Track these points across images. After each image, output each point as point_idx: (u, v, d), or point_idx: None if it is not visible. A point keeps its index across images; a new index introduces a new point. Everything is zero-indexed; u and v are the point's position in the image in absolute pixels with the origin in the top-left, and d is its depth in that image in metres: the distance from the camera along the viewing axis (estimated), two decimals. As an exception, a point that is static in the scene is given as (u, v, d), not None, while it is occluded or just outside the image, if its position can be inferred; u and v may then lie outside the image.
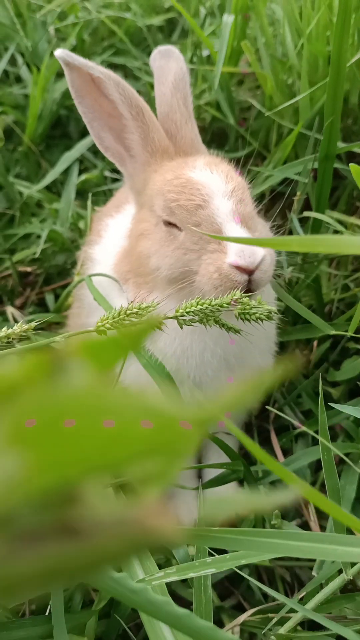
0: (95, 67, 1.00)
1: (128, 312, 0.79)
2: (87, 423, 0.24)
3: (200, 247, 0.90)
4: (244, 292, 0.83)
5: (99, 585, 0.69)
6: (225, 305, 0.79)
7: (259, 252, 0.86)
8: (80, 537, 0.23)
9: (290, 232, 1.33)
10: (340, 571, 0.86)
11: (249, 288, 0.86)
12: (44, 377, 0.26)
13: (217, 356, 0.98)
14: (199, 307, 0.79)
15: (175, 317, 0.80)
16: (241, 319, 0.81)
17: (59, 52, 1.00)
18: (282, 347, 1.23)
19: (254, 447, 0.47)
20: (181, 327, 0.82)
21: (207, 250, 0.89)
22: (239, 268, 0.85)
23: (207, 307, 0.79)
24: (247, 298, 0.81)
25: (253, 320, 0.80)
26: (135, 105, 1.01)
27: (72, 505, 0.24)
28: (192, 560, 0.78)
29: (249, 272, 0.86)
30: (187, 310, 0.80)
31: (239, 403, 0.28)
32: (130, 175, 1.07)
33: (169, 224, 0.95)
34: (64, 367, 0.27)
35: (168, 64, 1.11)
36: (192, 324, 0.81)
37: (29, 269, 1.55)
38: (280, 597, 0.73)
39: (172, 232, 0.95)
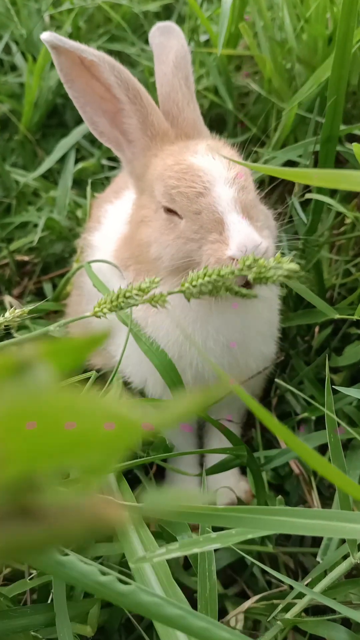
0: (87, 50, 0.96)
1: (127, 294, 0.76)
2: (46, 424, 0.26)
3: (200, 237, 0.88)
4: (242, 285, 0.79)
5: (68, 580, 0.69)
6: (236, 272, 0.74)
7: (262, 245, 0.83)
8: (38, 520, 0.28)
9: (291, 218, 1.31)
10: (344, 557, 0.85)
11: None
12: (9, 376, 0.29)
13: (219, 344, 0.96)
14: (206, 278, 0.75)
15: (181, 292, 0.76)
16: (257, 283, 0.74)
17: (45, 35, 0.95)
18: (284, 333, 1.22)
19: (264, 415, 0.46)
20: (188, 300, 0.78)
21: (208, 241, 0.87)
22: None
23: (215, 279, 0.74)
24: (262, 259, 0.74)
25: (271, 282, 0.74)
26: (132, 88, 0.98)
27: (32, 492, 0.28)
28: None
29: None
30: (194, 283, 0.75)
31: (185, 415, 0.31)
32: (129, 160, 1.04)
33: (169, 210, 0.93)
34: (29, 368, 0.30)
35: (169, 41, 1.07)
36: (201, 296, 0.76)
37: (26, 258, 1.54)
38: (287, 581, 0.72)
39: (172, 219, 0.92)
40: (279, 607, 0.80)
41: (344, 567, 0.74)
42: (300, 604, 0.74)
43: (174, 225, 0.92)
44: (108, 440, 0.28)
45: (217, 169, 0.90)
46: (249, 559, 0.80)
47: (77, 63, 0.98)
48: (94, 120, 1.02)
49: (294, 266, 0.72)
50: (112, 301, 0.78)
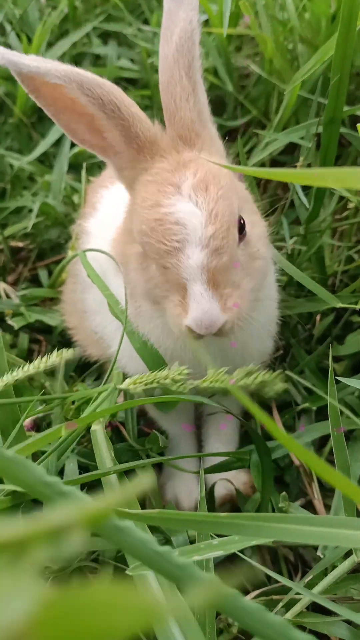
0: (50, 73, 0.84)
1: (160, 380, 0.81)
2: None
3: (166, 290, 0.85)
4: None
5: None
6: (247, 385, 0.82)
7: (218, 322, 0.80)
8: None
9: (292, 203, 1.28)
10: (346, 555, 0.83)
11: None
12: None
13: (213, 344, 0.93)
14: (222, 384, 0.81)
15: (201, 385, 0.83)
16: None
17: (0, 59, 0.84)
18: (284, 322, 1.19)
19: (260, 415, 0.43)
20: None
21: (171, 300, 0.84)
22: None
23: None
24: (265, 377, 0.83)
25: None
26: (108, 102, 0.86)
27: None
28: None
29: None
30: (212, 383, 0.82)
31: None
32: (119, 169, 0.94)
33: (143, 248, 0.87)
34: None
35: (178, 11, 0.93)
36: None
37: (21, 244, 1.50)
38: (286, 582, 0.69)
39: (145, 258, 0.87)
40: (279, 605, 0.78)
41: (346, 565, 0.72)
42: (301, 604, 0.72)
43: (147, 265, 0.87)
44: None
45: (193, 225, 0.81)
46: (245, 558, 0.77)
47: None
48: (72, 127, 0.92)
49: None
50: (147, 383, 0.83)
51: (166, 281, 0.84)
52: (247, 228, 0.89)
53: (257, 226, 0.95)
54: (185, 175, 0.85)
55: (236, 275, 0.84)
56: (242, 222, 0.87)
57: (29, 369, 0.80)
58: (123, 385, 0.80)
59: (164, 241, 0.82)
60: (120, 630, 0.24)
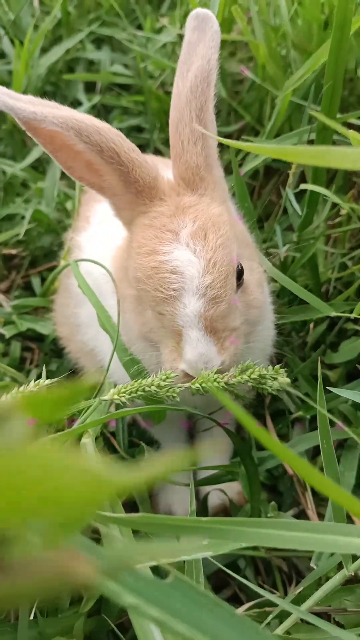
0: (47, 119, 0.82)
1: (146, 388, 0.79)
2: (18, 480, 0.25)
3: (162, 335, 0.85)
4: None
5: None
6: (242, 382, 0.79)
7: (214, 363, 0.80)
8: (8, 573, 0.28)
9: (285, 210, 1.27)
10: (340, 565, 0.82)
11: None
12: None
13: None
14: (215, 383, 0.78)
15: (190, 388, 0.80)
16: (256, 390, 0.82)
17: None
18: (278, 330, 1.18)
19: (249, 424, 0.43)
20: (193, 395, 0.81)
21: (166, 345, 0.84)
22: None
23: (222, 385, 0.78)
24: (263, 372, 0.80)
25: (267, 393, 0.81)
26: (107, 149, 0.83)
27: (2, 547, 0.28)
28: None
29: None
30: (203, 384, 0.79)
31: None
32: (116, 208, 0.92)
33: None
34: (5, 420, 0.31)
35: (198, 44, 0.89)
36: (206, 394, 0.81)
37: (13, 252, 1.49)
38: (274, 599, 0.69)
39: (141, 302, 0.87)
40: (269, 618, 0.77)
41: (337, 579, 0.71)
42: (290, 619, 0.71)
43: (142, 309, 0.87)
44: (80, 497, 0.27)
45: (191, 274, 0.80)
46: (233, 574, 0.76)
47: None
48: (69, 165, 0.89)
49: (286, 380, 0.82)
50: (131, 392, 0.81)
51: (162, 327, 0.84)
52: (245, 275, 0.89)
53: (255, 272, 0.94)
54: (184, 222, 0.84)
55: (234, 322, 0.84)
56: (240, 267, 0.87)
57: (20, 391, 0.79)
58: (107, 397, 0.79)
59: (160, 289, 0.81)
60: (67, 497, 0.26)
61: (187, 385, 0.80)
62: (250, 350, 0.90)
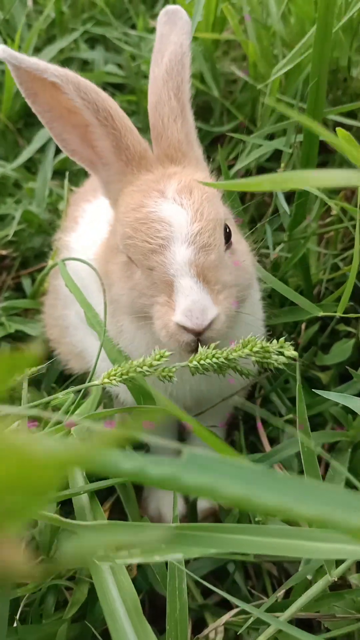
0: (48, 70, 0.85)
1: (137, 369, 0.76)
2: None
3: (152, 294, 0.82)
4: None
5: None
6: (242, 356, 0.76)
7: (210, 312, 0.77)
8: None
9: (276, 209, 1.26)
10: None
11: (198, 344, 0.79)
12: None
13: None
14: (214, 359, 0.75)
15: (188, 366, 0.77)
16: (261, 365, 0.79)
17: (1, 53, 0.85)
18: (270, 332, 1.17)
19: (202, 432, 0.42)
20: (193, 374, 0.78)
21: (158, 302, 0.81)
22: (185, 328, 0.77)
23: (222, 361, 0.75)
24: (267, 345, 0.77)
25: (273, 367, 0.78)
26: (103, 109, 0.86)
27: None
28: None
29: (197, 333, 0.77)
30: (201, 361, 0.75)
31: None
32: (105, 182, 0.94)
33: (127, 256, 0.86)
34: None
35: (170, 34, 0.94)
36: (206, 373, 0.77)
37: (4, 252, 1.48)
38: (249, 608, 0.67)
39: (130, 266, 0.86)
40: (248, 622, 0.76)
41: (321, 584, 0.70)
42: (269, 630, 0.69)
43: (131, 273, 0.86)
44: (27, 483, 0.26)
45: (178, 221, 0.80)
46: (212, 588, 0.75)
47: (38, 77, 0.86)
48: (64, 137, 0.92)
49: (294, 353, 0.77)
50: (122, 374, 0.79)
51: (152, 283, 0.82)
52: (233, 240, 0.88)
53: (242, 244, 0.94)
54: (170, 183, 0.85)
55: (225, 277, 0.82)
56: (227, 230, 0.86)
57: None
58: (98, 382, 0.77)
59: (148, 240, 0.80)
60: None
61: (183, 364, 0.78)
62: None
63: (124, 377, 0.79)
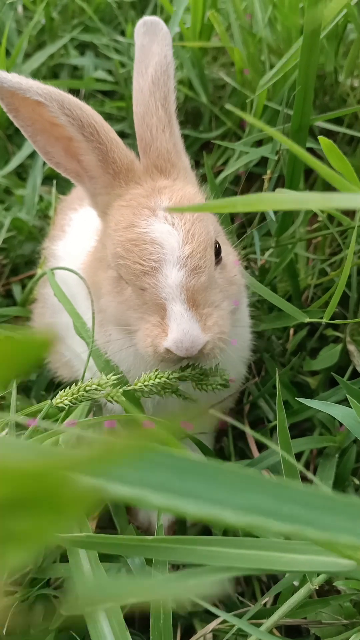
0: (31, 89, 0.84)
1: (87, 388, 0.77)
2: None
3: (143, 312, 0.83)
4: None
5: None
6: (183, 378, 0.79)
7: (199, 342, 0.78)
8: None
9: (264, 216, 1.26)
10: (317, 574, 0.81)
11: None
12: None
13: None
14: (157, 380, 0.77)
15: (134, 390, 0.80)
16: (198, 389, 0.83)
17: None
18: (259, 337, 1.17)
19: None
20: (139, 398, 0.83)
21: (149, 321, 0.82)
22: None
23: (164, 381, 0.78)
24: (202, 371, 0.82)
25: (210, 390, 0.83)
26: (88, 125, 0.86)
27: None
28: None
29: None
30: (146, 382, 0.78)
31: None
32: (92, 195, 0.94)
33: (118, 272, 0.86)
34: None
35: (151, 45, 0.94)
36: (151, 396, 0.81)
37: (-7, 259, 1.48)
38: (231, 619, 0.68)
39: (120, 282, 0.86)
40: (233, 629, 0.76)
41: (302, 593, 0.70)
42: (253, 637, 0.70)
43: (121, 289, 0.86)
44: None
45: (170, 244, 0.80)
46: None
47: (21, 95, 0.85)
48: (47, 150, 0.91)
49: (227, 377, 0.84)
50: (74, 394, 0.80)
51: (143, 303, 0.82)
52: (223, 254, 0.89)
53: (231, 255, 0.95)
54: (161, 200, 0.85)
55: (215, 296, 0.83)
56: (217, 246, 0.87)
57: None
58: (53, 401, 0.78)
59: (140, 261, 0.80)
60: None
61: (129, 388, 0.82)
62: (227, 355, 0.89)
63: (74, 396, 0.81)
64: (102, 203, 0.92)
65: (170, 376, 0.77)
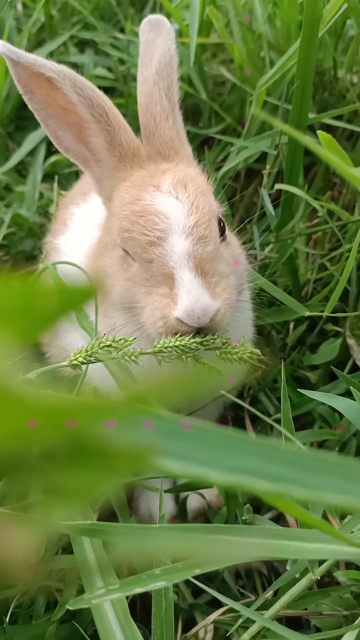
0: (46, 65, 0.87)
1: (102, 345, 0.75)
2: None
3: (150, 285, 0.83)
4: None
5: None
6: (205, 343, 0.76)
7: (210, 309, 0.77)
8: None
9: (263, 210, 1.27)
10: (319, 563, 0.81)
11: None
12: None
13: None
14: (177, 343, 0.75)
15: (153, 353, 0.76)
16: (222, 358, 0.78)
17: (0, 48, 0.87)
18: (259, 331, 1.18)
19: None
20: (159, 364, 0.77)
21: (157, 292, 0.82)
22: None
23: (186, 345, 0.74)
24: (228, 340, 0.77)
25: (234, 360, 0.77)
26: (97, 105, 0.89)
27: None
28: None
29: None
30: (166, 346, 0.75)
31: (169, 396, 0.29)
32: (98, 179, 0.96)
33: (124, 249, 0.87)
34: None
35: (155, 40, 0.98)
36: (170, 360, 0.77)
37: (-6, 256, 1.49)
38: (237, 607, 0.68)
39: (126, 259, 0.87)
40: (239, 621, 0.76)
41: (304, 583, 0.71)
42: (254, 628, 0.70)
43: (127, 266, 0.87)
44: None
45: (175, 214, 0.82)
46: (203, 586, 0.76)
47: (36, 74, 0.89)
48: (58, 134, 0.94)
49: (255, 350, 0.77)
50: (87, 351, 0.78)
51: (150, 276, 0.82)
52: (227, 233, 0.91)
53: (235, 239, 0.97)
54: (164, 177, 0.87)
55: (222, 268, 0.84)
56: (222, 223, 0.89)
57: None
58: (65, 363, 0.78)
59: (146, 232, 0.82)
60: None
61: (149, 352, 0.77)
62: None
63: (88, 352, 0.79)
64: (107, 187, 0.94)
65: (192, 340, 0.75)
